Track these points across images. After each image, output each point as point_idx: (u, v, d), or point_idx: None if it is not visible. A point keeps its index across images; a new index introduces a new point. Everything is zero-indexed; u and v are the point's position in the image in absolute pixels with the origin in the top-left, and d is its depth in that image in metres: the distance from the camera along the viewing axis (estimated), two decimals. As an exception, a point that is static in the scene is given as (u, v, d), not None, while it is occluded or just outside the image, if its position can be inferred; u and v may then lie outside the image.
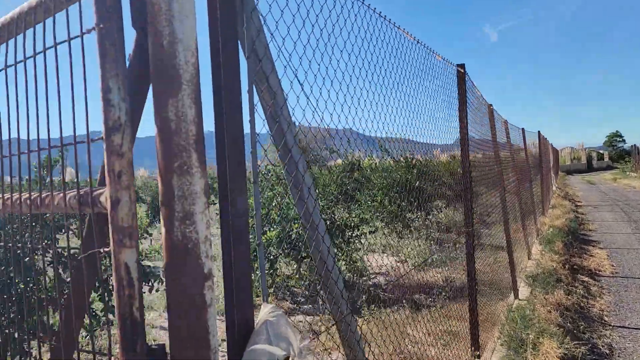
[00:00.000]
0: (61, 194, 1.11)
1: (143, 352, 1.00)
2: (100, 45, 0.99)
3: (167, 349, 1.05)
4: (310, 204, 1.42)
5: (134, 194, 1.00)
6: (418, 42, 2.58)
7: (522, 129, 11.17)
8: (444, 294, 6.48)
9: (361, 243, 8.42)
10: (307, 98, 1.45)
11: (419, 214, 11.14)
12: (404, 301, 6.53)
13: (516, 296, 5.96)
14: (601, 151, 59.40)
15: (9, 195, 1.27)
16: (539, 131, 14.97)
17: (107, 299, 4.47)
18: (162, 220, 1.02)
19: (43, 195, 1.14)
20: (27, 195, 1.20)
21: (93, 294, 5.09)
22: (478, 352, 3.68)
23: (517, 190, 7.79)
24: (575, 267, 7.65)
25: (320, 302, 6.86)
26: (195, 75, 1.02)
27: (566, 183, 28.78)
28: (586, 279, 7.17)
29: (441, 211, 12.07)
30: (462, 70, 3.52)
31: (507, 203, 6.31)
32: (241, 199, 1.17)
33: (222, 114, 1.14)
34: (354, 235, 8.28)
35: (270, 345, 1.14)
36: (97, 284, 4.85)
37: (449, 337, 4.60)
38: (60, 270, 4.61)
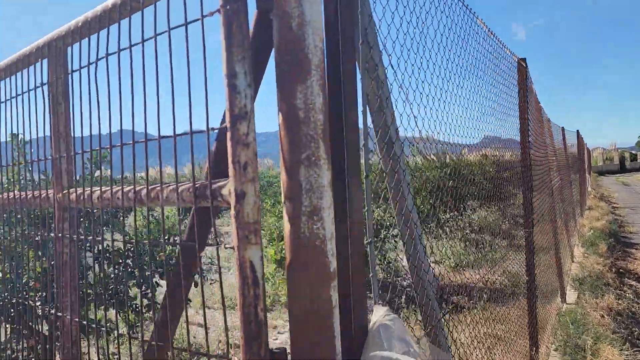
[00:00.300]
0: (171, 187, 1.06)
1: (267, 355, 0.93)
2: (226, 28, 0.93)
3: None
4: (409, 202, 1.34)
5: (258, 187, 0.94)
6: (492, 33, 2.48)
7: (562, 127, 10.88)
8: (485, 296, 6.33)
9: (397, 242, 8.30)
10: (405, 90, 1.38)
11: (453, 214, 10.94)
12: (443, 303, 6.40)
13: (564, 300, 5.78)
14: (634, 152, 57.72)
15: (107, 188, 1.23)
16: (577, 130, 14.60)
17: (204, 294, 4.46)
18: (285, 215, 0.95)
19: (149, 188, 1.09)
20: (131, 187, 1.15)
21: (136, 289, 5.10)
22: (537, 356, 3.55)
23: (560, 191, 7.58)
24: (621, 270, 7.39)
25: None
26: (322, 60, 0.95)
27: (600, 184, 28.03)
28: (634, 283, 6.91)
29: (475, 211, 11.83)
30: (524, 65, 3.39)
31: (553, 203, 6.12)
32: (358, 193, 1.10)
33: (341, 100, 1.07)
34: (389, 234, 8.17)
35: (387, 350, 1.06)
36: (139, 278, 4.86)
37: (493, 340, 4.46)
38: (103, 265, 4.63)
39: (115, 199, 1.19)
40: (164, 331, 1.21)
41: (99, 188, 1.25)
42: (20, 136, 4.08)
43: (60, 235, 1.41)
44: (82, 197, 1.31)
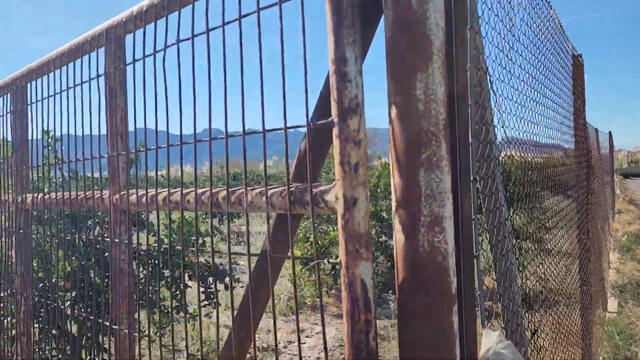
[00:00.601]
0: (257, 190, 0.93)
1: (377, 389, 0.80)
2: (335, 6, 0.79)
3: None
4: (504, 212, 1.19)
5: (368, 193, 0.80)
6: (561, 26, 2.31)
7: (596, 129, 10.54)
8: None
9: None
10: (492, 83, 1.23)
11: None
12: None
13: (604, 308, 5.54)
14: (661, 154, 56.31)
15: (176, 190, 1.11)
16: (609, 132, 14.16)
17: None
18: (398, 226, 0.81)
19: (230, 190, 0.96)
20: (206, 190, 1.02)
21: (165, 290, 5.02)
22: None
23: (598, 194, 7.31)
24: (661, 278, 7.09)
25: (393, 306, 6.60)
26: (444, 43, 0.81)
27: (626, 187, 27.35)
28: (676, 291, 6.62)
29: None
30: (581, 60, 3.19)
31: (592, 207, 5.87)
32: (468, 200, 0.95)
33: (453, 91, 0.92)
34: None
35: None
36: (168, 280, 4.77)
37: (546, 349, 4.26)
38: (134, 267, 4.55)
39: (184, 202, 1.06)
40: (245, 342, 1.08)
41: (165, 190, 1.13)
42: (52, 133, 4.00)
43: (117, 240, 1.29)
44: (144, 200, 1.19)
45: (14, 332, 2.38)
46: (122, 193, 1.28)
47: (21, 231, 1.79)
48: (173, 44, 1.09)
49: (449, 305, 0.80)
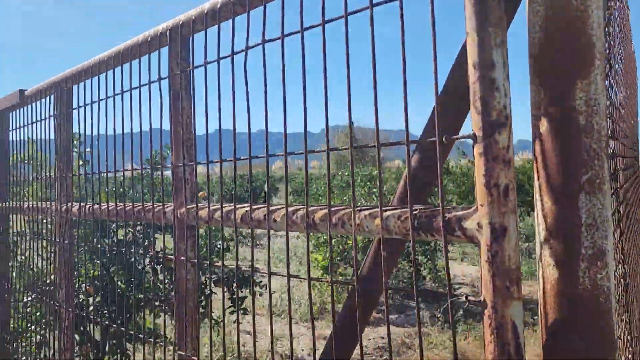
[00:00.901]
0: (366, 211, 0.81)
1: None
2: (478, 0, 0.68)
3: None
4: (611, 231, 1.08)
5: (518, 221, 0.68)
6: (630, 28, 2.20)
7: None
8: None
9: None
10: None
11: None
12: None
13: None
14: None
15: (260, 205, 1.00)
16: (633, 135, 13.91)
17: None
18: (549, 259, 0.69)
19: (332, 209, 0.84)
20: (299, 207, 0.91)
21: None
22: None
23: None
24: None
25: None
26: (604, 46, 0.69)
27: (644, 191, 26.92)
28: None
29: (523, 219, 11.40)
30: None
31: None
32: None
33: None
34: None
35: None
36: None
37: None
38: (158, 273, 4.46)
39: (270, 221, 0.95)
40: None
41: (246, 205, 1.02)
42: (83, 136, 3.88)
43: (182, 258, 1.18)
44: (217, 215, 1.08)
45: (37, 338, 2.30)
46: (189, 207, 1.17)
47: (66, 242, 1.69)
48: (257, 45, 0.97)
49: (611, 352, 0.68)
